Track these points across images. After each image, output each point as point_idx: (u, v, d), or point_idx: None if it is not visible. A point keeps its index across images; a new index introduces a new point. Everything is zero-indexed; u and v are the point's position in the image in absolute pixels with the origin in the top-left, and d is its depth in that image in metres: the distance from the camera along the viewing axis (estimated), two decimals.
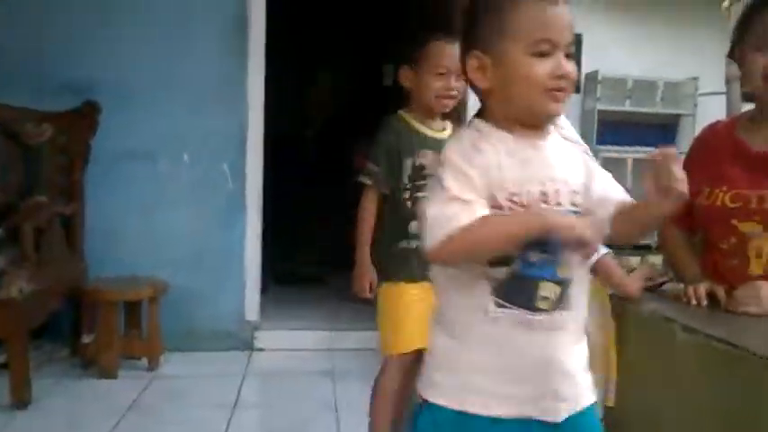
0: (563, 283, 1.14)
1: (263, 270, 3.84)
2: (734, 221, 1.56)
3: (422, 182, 2.09)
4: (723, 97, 5.51)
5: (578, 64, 7.35)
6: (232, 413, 2.83)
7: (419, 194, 2.07)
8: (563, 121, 3.35)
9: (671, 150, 1.10)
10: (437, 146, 2.09)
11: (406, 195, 2.10)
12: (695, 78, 6.11)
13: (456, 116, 3.82)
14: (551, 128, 1.23)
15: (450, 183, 1.12)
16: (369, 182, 2.15)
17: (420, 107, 2.18)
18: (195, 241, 3.58)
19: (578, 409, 1.18)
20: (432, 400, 1.19)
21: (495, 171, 1.12)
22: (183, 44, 3.54)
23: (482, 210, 1.10)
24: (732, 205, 1.57)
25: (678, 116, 6.22)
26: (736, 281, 1.54)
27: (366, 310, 4.06)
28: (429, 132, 2.18)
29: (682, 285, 1.66)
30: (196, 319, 3.55)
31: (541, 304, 1.13)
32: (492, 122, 1.18)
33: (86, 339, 3.29)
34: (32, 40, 3.47)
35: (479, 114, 1.21)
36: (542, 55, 1.11)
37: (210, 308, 3.58)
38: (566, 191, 1.17)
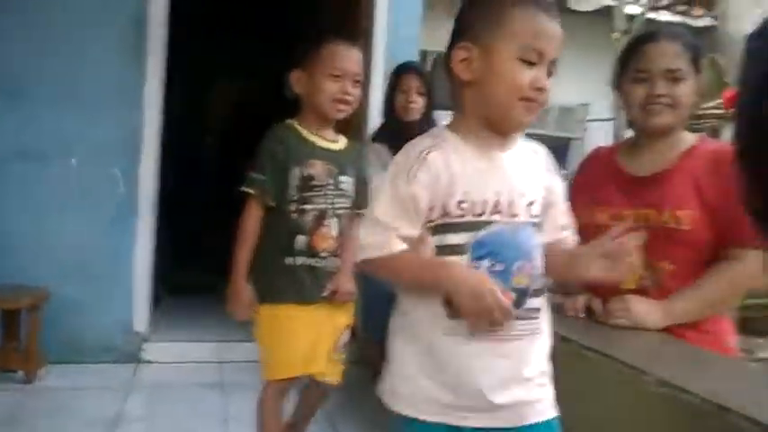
0: (520, 292, 1.17)
1: (157, 280, 3.71)
2: None
3: (309, 193, 2.00)
4: (611, 123, 5.85)
5: None
6: (114, 428, 2.71)
7: (306, 207, 1.99)
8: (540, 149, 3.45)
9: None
10: (327, 156, 2.05)
11: (293, 208, 1.99)
12: (586, 105, 6.46)
13: (356, 129, 3.85)
14: (517, 139, 1.25)
15: (382, 205, 1.19)
16: (252, 192, 2.01)
17: (313, 113, 2.08)
18: (83, 248, 3.42)
19: (539, 420, 1.20)
20: (398, 410, 1.22)
21: (445, 179, 1.16)
22: (78, 45, 3.40)
23: (399, 244, 1.17)
24: (611, 223, 1.66)
25: (569, 139, 6.55)
26: (610, 295, 1.63)
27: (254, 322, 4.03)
28: (319, 142, 2.08)
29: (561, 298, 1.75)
30: (81, 330, 3.39)
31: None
32: (459, 125, 1.22)
33: None
34: None
35: (451, 118, 1.25)
36: (529, 63, 1.14)
37: (97, 318, 3.43)
38: (522, 202, 1.19)
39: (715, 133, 5.05)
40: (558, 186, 1.31)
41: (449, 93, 1.25)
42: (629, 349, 1.40)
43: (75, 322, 3.37)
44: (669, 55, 1.64)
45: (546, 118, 6.39)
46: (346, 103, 2.06)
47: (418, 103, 3.08)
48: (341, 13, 4.18)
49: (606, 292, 1.66)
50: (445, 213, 1.16)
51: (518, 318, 1.16)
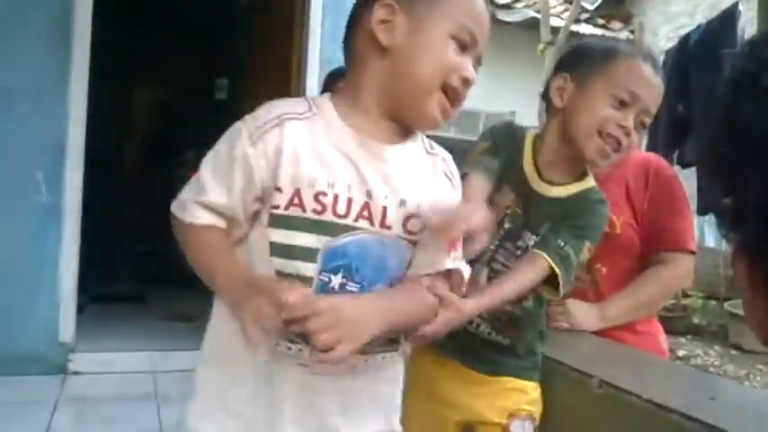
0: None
1: (79, 288, 3.58)
2: None
3: None
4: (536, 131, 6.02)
5: None
6: None
7: None
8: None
9: None
10: None
11: None
12: (513, 112, 6.63)
13: None
14: (417, 137, 1.05)
15: (211, 161, 0.99)
16: None
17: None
18: (4, 255, 3.26)
19: None
20: None
21: (304, 160, 0.94)
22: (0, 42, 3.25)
23: (204, 216, 0.97)
24: None
25: None
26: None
27: (190, 330, 3.95)
28: None
29: None
30: (3, 341, 3.23)
31: None
32: (345, 98, 1.01)
33: None
34: None
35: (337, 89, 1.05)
36: (461, 46, 0.98)
37: (18, 328, 3.27)
38: (398, 213, 0.97)
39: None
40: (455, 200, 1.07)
41: (349, 57, 1.03)
42: (571, 352, 1.45)
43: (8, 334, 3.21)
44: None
45: (475, 124, 6.53)
46: None
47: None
48: (275, 18, 4.16)
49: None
50: (297, 203, 0.93)
51: (364, 352, 0.94)
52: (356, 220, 0.94)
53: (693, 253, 1.66)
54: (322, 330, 0.83)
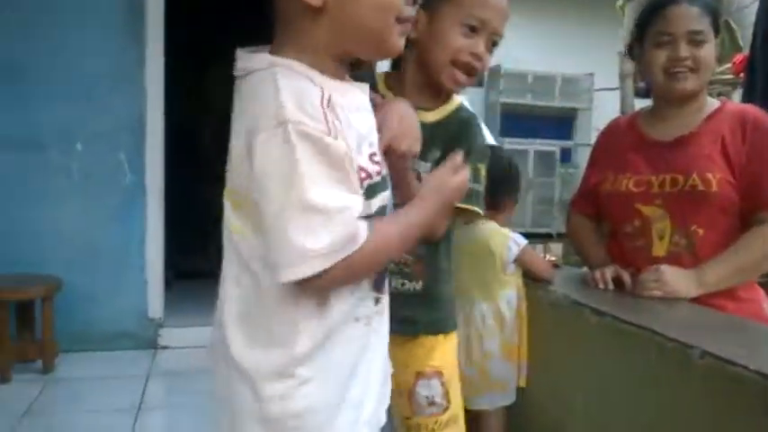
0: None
1: (165, 265, 3.69)
2: (637, 205, 1.62)
3: None
4: (617, 92, 5.78)
5: None
6: (137, 416, 2.70)
7: None
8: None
9: None
10: None
11: None
12: (591, 74, 6.38)
13: None
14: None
15: (315, 185, 0.82)
16: None
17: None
18: (93, 236, 3.40)
19: None
20: None
21: (350, 130, 0.89)
22: (77, 29, 3.34)
23: (362, 225, 0.87)
24: (635, 190, 1.63)
25: (575, 109, 6.48)
26: (640, 263, 1.60)
27: None
28: None
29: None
30: (94, 319, 3.38)
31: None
32: (308, 60, 0.90)
33: None
34: None
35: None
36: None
37: (109, 306, 3.41)
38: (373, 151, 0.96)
39: (720, 97, 4.99)
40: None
41: (277, 26, 0.95)
42: (667, 321, 1.37)
43: (89, 310, 3.36)
44: (691, 17, 1.60)
45: (551, 89, 6.32)
46: None
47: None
48: None
49: (636, 260, 1.63)
50: (364, 170, 0.90)
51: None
52: (383, 168, 0.97)
53: None
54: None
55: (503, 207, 1.82)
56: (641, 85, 6.05)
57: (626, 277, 1.61)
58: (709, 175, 1.54)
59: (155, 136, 3.49)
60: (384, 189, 0.95)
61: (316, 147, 0.83)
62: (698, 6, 1.61)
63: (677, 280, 1.52)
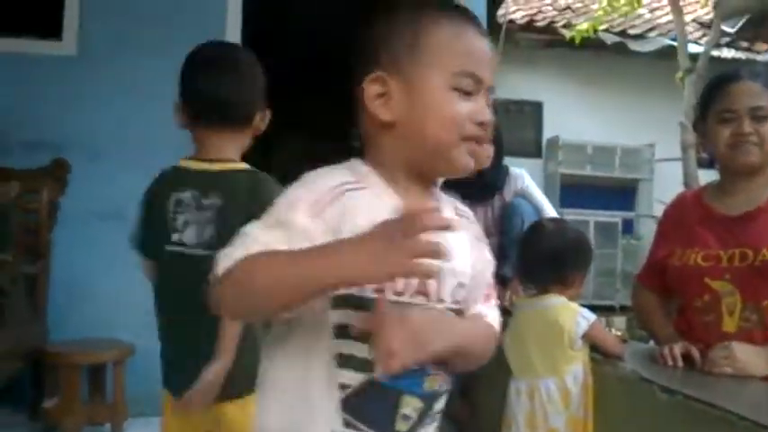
0: (428, 399, 0.90)
1: None
2: (706, 280, 1.62)
3: None
4: (679, 163, 5.75)
5: (539, 129, 7.62)
6: None
7: None
8: (526, 179, 3.37)
9: None
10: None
11: None
12: (651, 145, 6.36)
13: None
14: (441, 198, 0.99)
15: (256, 226, 0.85)
16: None
17: None
18: None
19: None
20: None
21: (344, 224, 0.85)
22: (148, 103, 3.55)
23: (260, 246, 0.82)
24: (704, 264, 1.63)
25: (636, 180, 6.45)
26: (710, 338, 1.59)
27: None
28: None
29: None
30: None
31: (401, 425, 0.88)
32: (379, 169, 0.93)
33: (48, 404, 3.18)
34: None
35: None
36: (464, 93, 0.90)
37: None
38: (450, 284, 0.91)
39: None
40: (488, 264, 1.01)
41: (362, 134, 0.97)
42: (739, 399, 1.36)
43: (157, 375, 3.43)
44: (753, 93, 1.63)
45: (611, 160, 6.32)
46: None
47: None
48: None
49: (705, 335, 1.62)
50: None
51: (417, 429, 0.90)
52: (413, 296, 0.88)
53: None
54: (388, 336, 0.80)
55: (572, 281, 1.82)
56: (704, 155, 6.00)
57: (695, 353, 1.60)
58: None
59: None
60: (355, 307, 0.85)
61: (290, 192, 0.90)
62: (760, 83, 1.65)
63: (748, 357, 1.50)
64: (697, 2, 7.65)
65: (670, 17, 6.97)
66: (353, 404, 0.85)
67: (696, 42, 7.22)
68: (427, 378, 0.89)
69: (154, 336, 3.41)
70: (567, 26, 7.44)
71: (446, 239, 0.81)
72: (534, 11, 7.87)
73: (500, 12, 5.59)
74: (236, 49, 1.83)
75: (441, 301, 0.90)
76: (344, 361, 0.85)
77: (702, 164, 5.59)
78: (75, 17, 3.52)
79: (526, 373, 1.87)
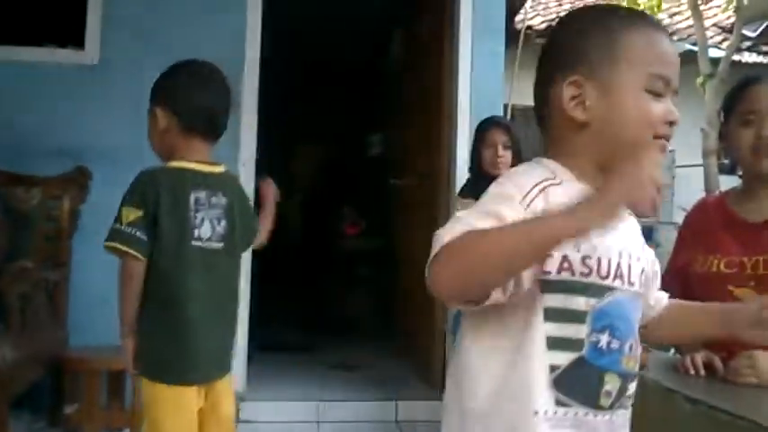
0: (626, 377, 0.98)
1: (248, 338, 3.78)
2: (730, 287, 1.60)
3: None
4: (699, 169, 5.68)
5: None
6: None
7: None
8: None
9: None
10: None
11: None
12: (672, 151, 6.29)
13: (443, 185, 3.88)
14: None
15: (472, 215, 0.90)
16: None
17: None
18: None
19: None
20: None
21: None
22: None
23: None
24: (727, 271, 1.61)
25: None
26: (733, 347, 1.56)
27: (351, 379, 4.04)
28: None
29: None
30: None
31: (604, 401, 0.95)
32: (569, 166, 0.99)
33: (68, 410, 3.20)
34: (22, 105, 3.49)
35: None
36: (656, 94, 0.96)
37: None
38: (637, 269, 0.99)
39: None
40: (652, 253, 1.11)
41: (548, 135, 1.04)
42: (764, 409, 1.33)
43: None
44: None
45: None
46: None
47: (506, 157, 3.10)
48: (425, 73, 4.27)
49: (728, 347, 1.59)
50: (567, 268, 0.92)
51: (615, 407, 0.97)
52: (613, 280, 0.96)
53: None
54: None
55: None
56: (725, 161, 5.94)
57: (717, 363, 1.57)
58: None
59: None
60: (585, 294, 0.93)
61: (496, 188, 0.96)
62: None
63: None
64: (718, 6, 7.57)
65: (690, 22, 6.92)
66: (563, 383, 0.92)
67: (717, 47, 7.15)
68: (624, 357, 0.96)
69: None
70: None
71: (624, 229, 0.97)
72: (553, 16, 7.84)
73: (518, 18, 5.57)
74: (213, 65, 2.03)
75: (631, 284, 0.98)
76: (555, 342, 0.92)
77: (723, 170, 5.54)
78: (97, 26, 3.57)
79: None
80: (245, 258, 3.60)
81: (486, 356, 0.96)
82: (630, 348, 0.97)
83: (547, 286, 0.93)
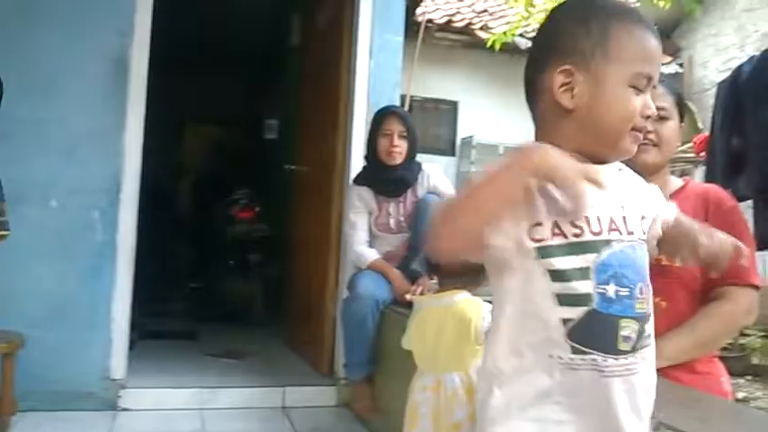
0: (642, 319, 1.04)
1: (130, 325, 3.63)
2: None
3: None
4: None
5: (454, 128, 7.73)
6: None
7: None
8: (439, 176, 3.42)
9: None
10: None
11: None
12: None
13: (339, 173, 3.87)
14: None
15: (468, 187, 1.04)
16: None
17: None
18: (58, 293, 3.35)
19: None
20: None
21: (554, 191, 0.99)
22: (60, 85, 3.39)
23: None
24: None
25: None
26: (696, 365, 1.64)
27: (238, 367, 3.97)
28: None
29: None
30: (55, 378, 3.29)
31: (623, 346, 1.01)
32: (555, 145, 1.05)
33: None
34: None
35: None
36: (637, 89, 1.05)
37: (72, 365, 3.33)
38: (636, 218, 1.08)
39: (683, 175, 5.18)
40: (658, 194, 1.18)
41: (536, 118, 1.13)
42: None
43: (51, 369, 3.27)
44: (656, 94, 1.68)
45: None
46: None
47: (401, 147, 3.13)
48: (323, 60, 4.24)
49: (689, 365, 1.65)
50: (559, 233, 1.01)
51: (637, 348, 1.03)
52: (609, 233, 1.03)
53: (757, 288, 1.60)
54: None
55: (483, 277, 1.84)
56: None
57: None
58: None
59: (130, 196, 3.49)
60: (582, 252, 1.02)
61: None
62: (662, 86, 1.72)
63: None
64: None
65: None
66: (579, 333, 1.00)
67: None
68: (637, 301, 1.03)
69: (46, 328, 3.27)
70: (484, 29, 7.58)
71: (614, 186, 1.06)
72: (453, 11, 7.98)
73: (419, 10, 5.63)
74: None
75: (630, 233, 1.05)
76: (564, 299, 1.00)
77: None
78: None
79: (432, 367, 1.88)
80: (127, 242, 3.47)
81: (506, 321, 1.05)
82: (641, 291, 1.04)
83: (544, 252, 1.02)
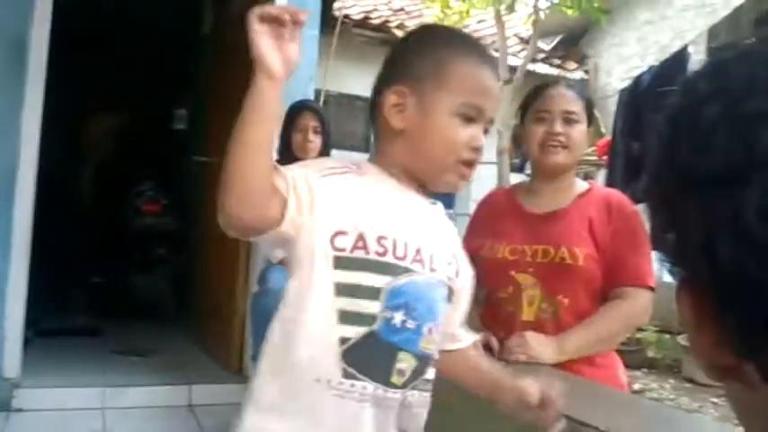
0: (423, 359, 1.02)
1: (27, 322, 3.45)
2: (512, 272, 1.72)
3: None
4: (494, 166, 6.11)
5: (368, 124, 7.81)
6: None
7: None
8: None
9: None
10: None
11: None
12: None
13: None
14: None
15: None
16: None
17: None
18: None
19: None
20: None
21: (365, 205, 1.02)
22: None
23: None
24: (511, 258, 1.73)
25: None
26: (510, 328, 1.69)
27: (143, 364, 3.84)
28: None
29: None
30: None
31: (396, 379, 0.99)
32: (381, 164, 1.09)
33: None
34: None
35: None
36: (467, 119, 1.04)
37: None
38: (442, 258, 1.07)
39: (587, 178, 5.41)
40: (464, 259, 1.17)
41: (375, 133, 1.14)
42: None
43: None
44: (567, 98, 1.76)
45: None
46: None
47: (315, 143, 3.11)
48: (234, 49, 4.15)
49: (506, 325, 1.71)
50: (361, 246, 0.98)
51: (408, 386, 1.01)
52: (412, 263, 1.01)
53: (652, 289, 1.69)
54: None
55: None
56: (516, 160, 6.47)
57: (494, 342, 1.69)
58: (577, 250, 1.67)
59: (26, 185, 3.31)
60: (379, 272, 0.99)
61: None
62: (573, 91, 1.79)
63: (540, 346, 1.61)
64: (519, 18, 8.17)
65: (494, 30, 7.40)
66: (353, 356, 0.96)
67: (515, 56, 7.72)
68: (422, 339, 1.01)
69: None
70: (401, 27, 7.64)
71: (432, 221, 1.09)
72: (370, 8, 8.00)
73: (336, 5, 5.61)
74: None
75: (433, 270, 1.04)
76: (345, 316, 0.97)
77: (514, 168, 6.01)
78: None
79: None
80: (22, 234, 3.29)
81: (281, 328, 1.01)
82: (430, 331, 1.02)
83: (339, 263, 0.99)
